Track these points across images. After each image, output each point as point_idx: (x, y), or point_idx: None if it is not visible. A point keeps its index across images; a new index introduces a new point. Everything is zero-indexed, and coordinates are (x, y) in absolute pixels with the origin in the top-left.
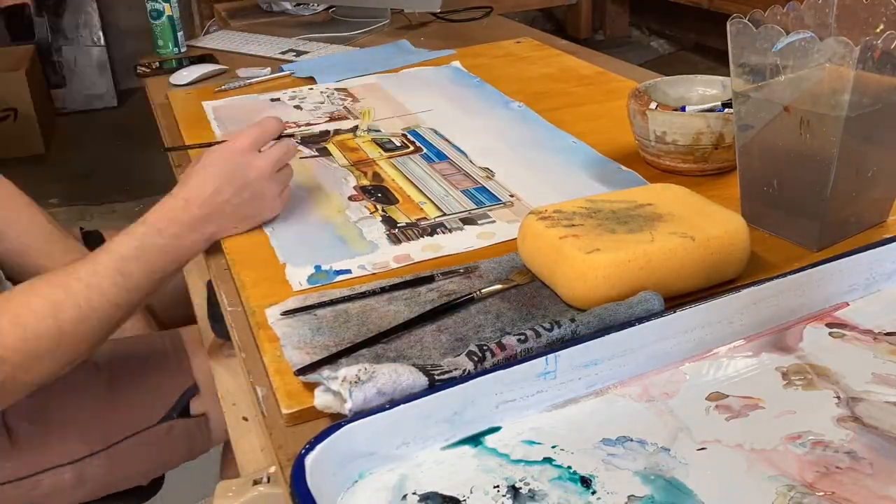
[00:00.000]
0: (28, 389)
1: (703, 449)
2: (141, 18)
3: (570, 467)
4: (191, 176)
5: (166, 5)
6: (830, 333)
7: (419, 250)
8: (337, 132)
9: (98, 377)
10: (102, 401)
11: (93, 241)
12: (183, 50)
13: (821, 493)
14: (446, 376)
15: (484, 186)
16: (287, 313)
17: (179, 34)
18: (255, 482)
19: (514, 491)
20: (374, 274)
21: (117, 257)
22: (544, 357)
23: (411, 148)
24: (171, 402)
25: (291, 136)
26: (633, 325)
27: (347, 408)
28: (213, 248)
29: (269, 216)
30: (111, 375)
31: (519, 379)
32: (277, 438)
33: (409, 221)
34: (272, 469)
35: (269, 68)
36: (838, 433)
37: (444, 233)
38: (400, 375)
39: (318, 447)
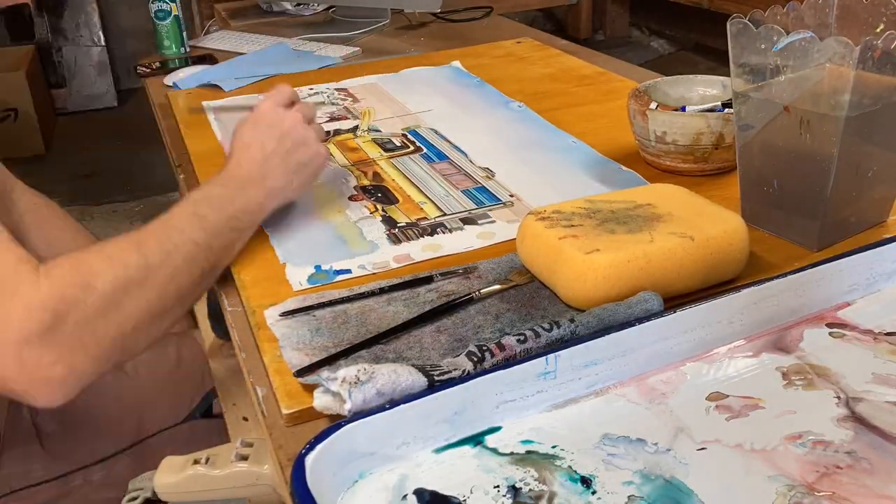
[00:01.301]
0: (117, 338)
1: (703, 449)
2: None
3: (570, 467)
4: (234, 147)
5: (172, 5)
6: (831, 333)
7: (419, 250)
8: (337, 132)
9: (121, 381)
10: (127, 402)
11: None
12: (187, 50)
13: (821, 494)
14: (446, 377)
15: (484, 186)
16: (286, 314)
17: (184, 34)
18: (196, 461)
19: (514, 491)
20: (374, 274)
21: (189, 202)
22: (544, 357)
23: (411, 148)
24: (193, 403)
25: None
26: (633, 325)
27: (347, 409)
28: None
29: (321, 162)
30: (134, 379)
31: (519, 379)
32: (277, 438)
33: (409, 221)
34: (217, 450)
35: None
36: (838, 433)
37: (444, 233)
38: (399, 376)
39: (318, 447)
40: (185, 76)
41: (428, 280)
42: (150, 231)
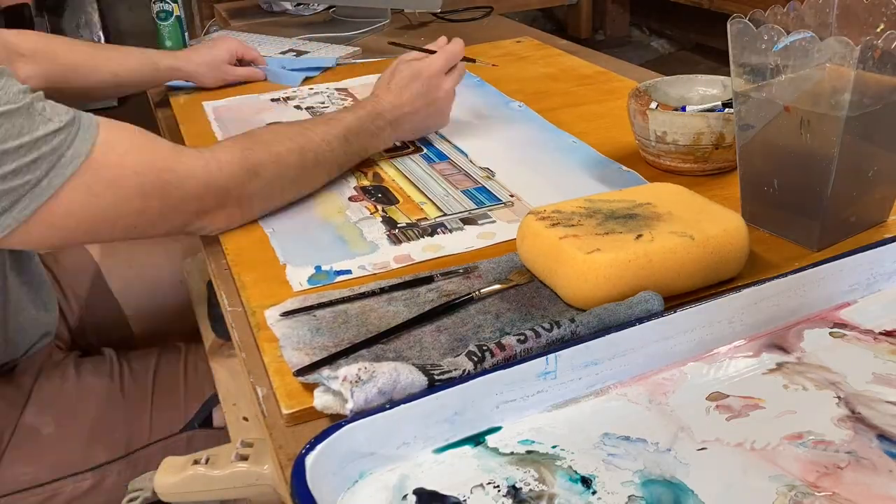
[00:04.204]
0: (270, 206)
1: (703, 449)
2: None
3: (570, 467)
4: (390, 89)
5: (174, 6)
6: (831, 333)
7: (419, 250)
8: None
9: (122, 384)
10: (125, 408)
11: None
12: None
13: (821, 493)
14: (446, 376)
15: (484, 186)
16: (286, 314)
17: (185, 35)
18: (196, 462)
19: (514, 491)
20: (374, 274)
21: (343, 128)
22: (545, 357)
23: (411, 148)
24: (192, 412)
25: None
26: (634, 325)
27: (349, 408)
28: (214, 248)
29: (440, 128)
30: (134, 383)
31: (519, 379)
32: (277, 438)
33: (409, 222)
34: (216, 451)
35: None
36: (839, 433)
37: (444, 233)
38: (399, 374)
39: (318, 447)
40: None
41: (428, 280)
42: (311, 139)
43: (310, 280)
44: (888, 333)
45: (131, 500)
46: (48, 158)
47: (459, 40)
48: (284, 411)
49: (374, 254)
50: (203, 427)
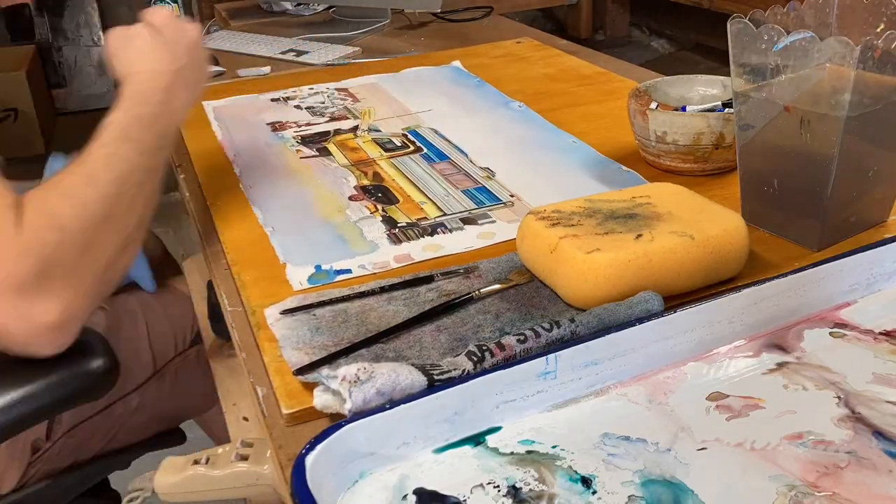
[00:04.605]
0: (98, 272)
1: (703, 449)
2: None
3: (570, 467)
4: (140, 52)
5: (174, 6)
6: (831, 333)
7: (419, 250)
8: (337, 132)
9: (132, 321)
10: (141, 337)
11: None
12: None
13: (821, 493)
14: (445, 376)
15: (484, 186)
16: (286, 312)
17: None
18: (196, 462)
19: (514, 491)
20: (374, 274)
21: (118, 129)
22: (545, 357)
23: (411, 148)
24: (193, 332)
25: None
26: (634, 325)
27: (347, 408)
28: (214, 248)
29: (204, 82)
30: (141, 317)
31: (519, 379)
32: (277, 438)
33: (409, 221)
34: (217, 450)
35: (269, 67)
36: (839, 433)
37: (444, 233)
38: (399, 375)
39: (318, 447)
40: None
41: (428, 279)
42: (94, 163)
43: (310, 279)
44: (888, 333)
45: (131, 500)
46: None
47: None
48: (284, 411)
49: (374, 253)
50: (213, 320)
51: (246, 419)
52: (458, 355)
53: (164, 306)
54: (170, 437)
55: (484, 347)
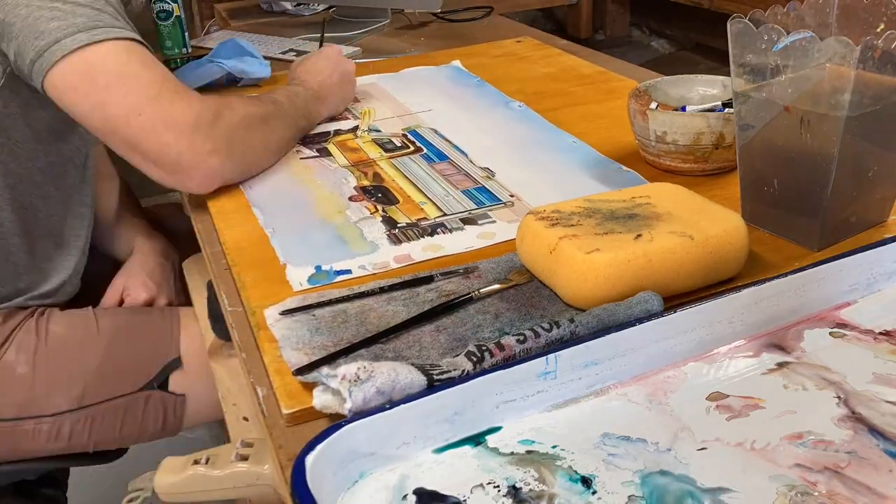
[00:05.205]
0: (251, 148)
1: (703, 449)
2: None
3: (570, 467)
4: (309, 72)
5: (174, 6)
6: (831, 333)
7: (420, 250)
8: (337, 132)
9: (96, 338)
10: (94, 360)
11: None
12: (189, 50)
13: (821, 493)
14: (445, 376)
15: (484, 186)
16: (286, 313)
17: (186, 35)
18: (196, 462)
19: (514, 491)
20: (374, 274)
21: (285, 93)
22: (545, 357)
23: (411, 148)
24: (153, 373)
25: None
26: (633, 325)
27: (347, 408)
28: (214, 248)
29: (348, 101)
30: (108, 338)
31: (519, 379)
32: (277, 438)
33: (409, 221)
34: (217, 451)
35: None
36: (839, 433)
37: (444, 233)
38: (399, 374)
39: (318, 447)
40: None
41: (428, 280)
42: (275, 96)
43: (310, 280)
44: (888, 333)
45: (131, 500)
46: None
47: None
48: (284, 411)
49: (374, 254)
50: (161, 388)
51: (246, 419)
52: (458, 355)
53: (135, 334)
54: (100, 456)
55: (483, 347)
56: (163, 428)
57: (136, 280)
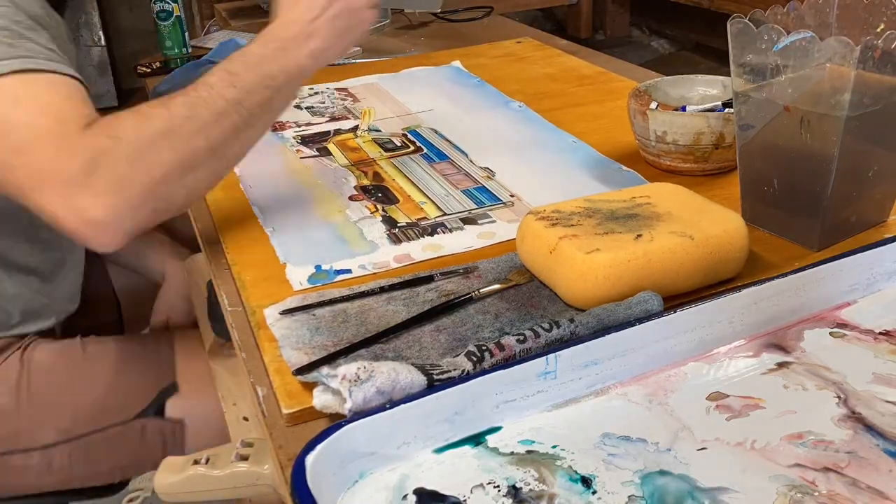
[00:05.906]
0: (148, 184)
1: (703, 449)
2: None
3: (570, 467)
4: (280, 4)
5: (174, 5)
6: (831, 333)
7: (419, 250)
8: (337, 132)
9: (84, 366)
10: (82, 390)
11: None
12: (189, 50)
13: (821, 493)
14: (445, 376)
15: (484, 186)
16: (286, 312)
17: (186, 35)
18: (196, 462)
19: (514, 491)
20: (374, 274)
21: (225, 61)
22: (545, 357)
23: (412, 148)
24: (147, 400)
25: None
26: (633, 325)
27: (347, 408)
28: (214, 248)
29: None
30: (97, 367)
31: (519, 379)
32: (277, 438)
33: (409, 221)
34: (217, 451)
35: None
36: (839, 433)
37: (444, 233)
38: (399, 374)
39: (318, 447)
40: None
41: (428, 279)
42: (183, 91)
43: (310, 279)
44: (888, 333)
45: (131, 500)
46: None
47: None
48: (284, 411)
49: (374, 253)
50: (157, 416)
51: (246, 419)
52: (458, 355)
53: (126, 361)
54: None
55: (483, 347)
56: (163, 457)
57: (178, 309)
